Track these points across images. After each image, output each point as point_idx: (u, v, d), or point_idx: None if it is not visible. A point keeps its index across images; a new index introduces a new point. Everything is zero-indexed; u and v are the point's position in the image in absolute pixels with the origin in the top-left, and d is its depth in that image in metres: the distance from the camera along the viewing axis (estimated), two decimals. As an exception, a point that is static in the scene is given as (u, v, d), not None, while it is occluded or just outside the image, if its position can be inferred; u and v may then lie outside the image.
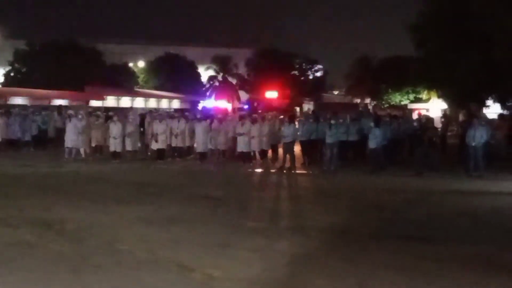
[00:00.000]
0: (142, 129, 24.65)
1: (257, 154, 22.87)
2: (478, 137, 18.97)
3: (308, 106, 49.54)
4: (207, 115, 25.03)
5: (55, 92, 41.88)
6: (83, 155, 23.71)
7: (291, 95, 48.35)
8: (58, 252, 8.90)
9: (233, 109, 44.39)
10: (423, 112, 35.54)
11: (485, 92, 24.90)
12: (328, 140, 20.69)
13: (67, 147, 23.23)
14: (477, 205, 14.06)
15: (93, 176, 18.89)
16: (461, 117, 30.65)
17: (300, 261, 8.73)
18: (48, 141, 28.90)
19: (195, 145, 23.79)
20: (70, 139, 23.15)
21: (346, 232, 10.86)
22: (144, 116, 25.94)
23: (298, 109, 43.07)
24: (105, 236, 10.00)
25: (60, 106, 33.43)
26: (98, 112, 27.73)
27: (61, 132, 26.44)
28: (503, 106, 25.77)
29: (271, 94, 50.04)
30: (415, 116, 32.55)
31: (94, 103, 43.91)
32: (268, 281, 7.58)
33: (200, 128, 23.03)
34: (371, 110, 43.65)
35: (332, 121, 21.21)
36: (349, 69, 64.19)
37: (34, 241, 9.65)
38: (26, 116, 28.53)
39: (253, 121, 22.76)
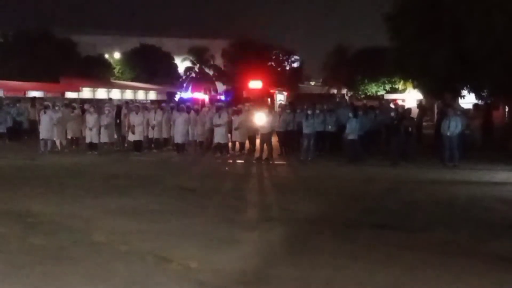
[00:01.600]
0: (118, 120, 24.49)
1: (236, 145, 22.91)
2: (453, 127, 19.14)
3: (280, 97, 49.46)
4: (185, 106, 24.85)
5: (30, 84, 41.49)
6: (58, 147, 23.50)
7: (265, 86, 48.25)
8: (33, 244, 8.84)
9: (210, 101, 44.16)
10: (399, 103, 35.74)
11: (459, 82, 25.05)
12: (305, 130, 20.78)
13: (43, 139, 22.99)
14: (452, 194, 14.19)
15: (69, 168, 18.74)
16: (436, 107, 30.84)
17: (277, 251, 8.76)
18: (23, 133, 28.62)
19: (172, 136, 23.68)
20: (46, 130, 22.90)
21: (323, 222, 10.92)
22: (120, 107, 25.76)
23: (269, 99, 42.99)
24: (81, 228, 9.95)
25: (33, 98, 33.05)
26: (74, 104, 27.47)
27: (35, 124, 26.19)
28: (478, 96, 25.97)
29: (253, 85, 49.95)
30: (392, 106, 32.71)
31: (70, 94, 43.57)
32: (245, 271, 7.60)
33: (179, 119, 22.92)
34: (348, 101, 43.81)
35: (309, 112, 21.30)
36: (326, 60, 64.27)
37: (8, 233, 9.57)
38: (1, 108, 28.22)
39: (232, 112, 22.81)
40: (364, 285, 7.11)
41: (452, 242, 9.29)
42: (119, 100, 36.50)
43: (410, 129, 20.53)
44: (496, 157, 20.04)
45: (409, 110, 22.77)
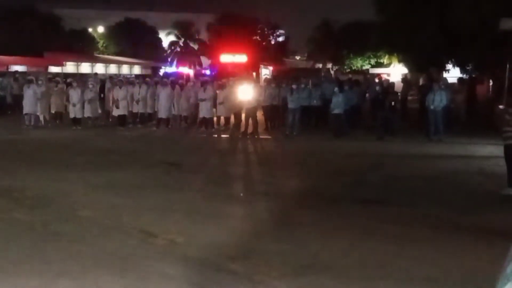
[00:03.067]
0: (102, 95, 24.29)
1: (221, 120, 22.88)
2: (437, 101, 19.18)
3: (266, 71, 49.27)
4: (170, 81, 24.69)
5: (13, 58, 40.99)
6: (42, 122, 23.31)
7: (249, 60, 48.12)
8: (18, 220, 8.79)
9: (195, 75, 43.95)
10: (384, 77, 35.79)
11: (445, 56, 25.12)
12: (290, 105, 20.79)
13: (26, 114, 22.79)
14: (437, 168, 14.29)
15: (53, 143, 18.62)
16: (421, 82, 30.91)
17: (263, 226, 8.79)
18: (6, 107, 28.35)
19: (156, 111, 23.54)
20: (29, 105, 22.68)
21: (308, 196, 10.97)
22: (104, 82, 25.55)
23: (254, 74, 42.84)
24: (66, 203, 9.90)
25: (16, 72, 32.70)
26: (58, 78, 27.20)
27: (18, 98, 25.94)
28: (463, 71, 26.06)
29: (234, 58, 49.78)
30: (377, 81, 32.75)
31: (54, 69, 43.17)
32: (231, 246, 7.62)
33: (163, 94, 22.78)
34: (333, 75, 43.79)
35: (294, 86, 21.29)
36: (311, 34, 64.06)
37: (-7, 209, 9.51)
38: (-17, 83, 27.93)
39: (217, 87, 22.75)
40: (349, 259, 7.15)
41: (436, 215, 9.36)
42: (103, 74, 36.22)
43: (393, 103, 20.57)
44: (480, 131, 20.15)
45: (393, 84, 22.82)
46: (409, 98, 29.15)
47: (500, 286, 2.09)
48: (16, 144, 18.41)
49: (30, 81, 23.70)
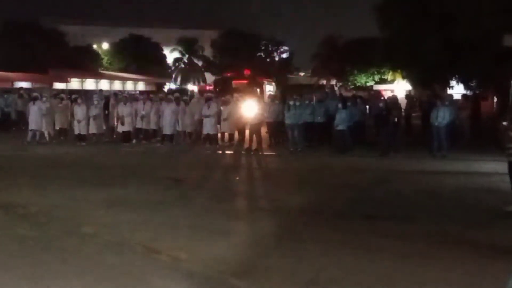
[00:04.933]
0: (106, 111, 24.35)
1: (225, 136, 22.90)
2: (441, 117, 19.16)
3: (269, 88, 49.33)
4: (174, 97, 24.77)
5: (18, 75, 41.19)
6: (47, 138, 23.38)
7: (253, 77, 48.21)
8: (22, 235, 8.79)
9: (199, 91, 44.11)
10: (388, 93, 35.82)
11: (448, 72, 25.14)
12: (287, 121, 20.89)
13: (31, 130, 22.87)
14: (440, 184, 14.26)
15: (58, 159, 18.67)
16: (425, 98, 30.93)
17: (266, 242, 8.77)
18: (11, 124, 28.45)
19: (161, 127, 23.57)
20: (35, 121, 22.77)
21: (312, 212, 10.94)
22: (108, 98, 25.64)
23: (258, 90, 42.92)
24: (70, 219, 9.91)
25: (20, 89, 32.85)
26: (62, 95, 27.31)
27: (22, 115, 26.04)
28: (466, 87, 26.07)
29: (238, 76, 49.87)
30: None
31: (58, 85, 43.31)
32: (235, 262, 7.60)
33: (167, 110, 22.84)
34: (337, 92, 43.82)
35: (291, 102, 21.31)
36: (315, 51, 64.27)
37: (-3, 225, 9.52)
38: (-12, 99, 28.05)
39: (221, 103, 22.81)
40: (353, 275, 7.13)
41: (440, 232, 9.33)
42: (107, 91, 36.35)
43: (396, 119, 20.58)
44: (484, 147, 20.11)
45: (396, 99, 22.84)
46: (414, 114, 29.16)
47: None
48: (20, 160, 18.47)
49: (36, 98, 23.80)
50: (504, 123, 11.26)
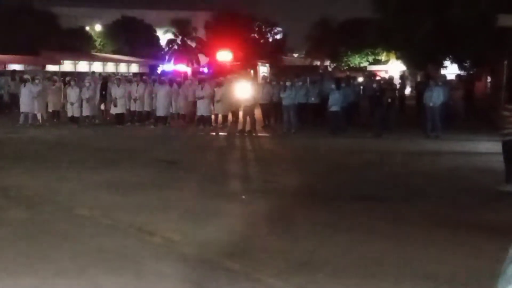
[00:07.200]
0: (103, 92, 24.11)
1: (219, 118, 22.84)
2: (435, 97, 19.14)
3: (263, 69, 49.18)
4: (167, 79, 24.64)
5: (10, 57, 40.94)
6: (40, 121, 23.28)
7: (247, 58, 48.04)
8: (15, 219, 8.75)
9: (193, 73, 43.90)
10: (383, 74, 35.78)
11: (442, 53, 25.13)
12: (284, 102, 20.85)
13: (23, 112, 22.76)
14: (434, 164, 14.29)
15: (51, 142, 18.58)
16: (419, 78, 30.93)
17: (260, 223, 8.78)
18: (3, 106, 28.31)
19: (154, 109, 23.47)
20: (26, 104, 22.65)
21: (306, 194, 10.95)
22: (107, 79, 25.36)
23: (252, 72, 42.81)
24: (64, 202, 9.87)
25: (13, 71, 32.63)
26: (55, 77, 27.15)
27: (15, 97, 25.90)
28: (460, 67, 26.08)
29: (226, 56, 49.68)
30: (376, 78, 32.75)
31: (51, 67, 43.10)
32: (229, 243, 7.59)
33: (161, 92, 22.75)
34: (330, 73, 43.73)
35: (287, 83, 21.29)
36: (309, 32, 64.08)
37: (-10, 208, 9.47)
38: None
39: (214, 85, 22.71)
40: (347, 256, 7.13)
41: (435, 212, 9.35)
42: (99, 73, 36.16)
43: (389, 100, 20.56)
44: (478, 127, 20.15)
45: (392, 80, 22.80)
46: (407, 95, 29.16)
47: None
48: (13, 143, 18.38)
49: (26, 80, 23.68)
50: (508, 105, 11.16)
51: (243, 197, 10.78)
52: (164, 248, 7.41)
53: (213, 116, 22.85)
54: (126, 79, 25.50)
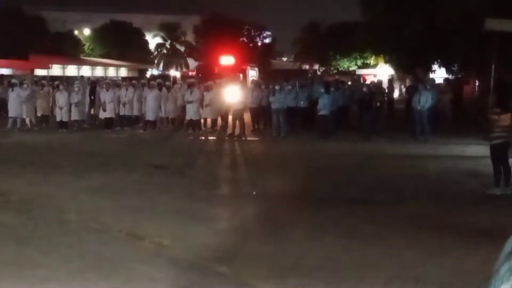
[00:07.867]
0: (92, 97, 24.04)
1: (208, 122, 22.82)
2: (423, 101, 19.24)
3: (252, 73, 49.12)
4: (157, 83, 24.60)
5: (-2, 61, 40.71)
6: (28, 125, 23.17)
7: (236, 62, 47.92)
8: (4, 223, 8.71)
9: (182, 77, 43.83)
10: (371, 78, 35.87)
11: (430, 56, 25.23)
12: (273, 106, 20.86)
13: (11, 117, 22.66)
14: (423, 168, 14.32)
15: (40, 146, 18.50)
16: (408, 82, 31.06)
17: (250, 228, 8.78)
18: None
19: (143, 113, 23.41)
20: (14, 108, 22.56)
21: (296, 197, 10.97)
22: (95, 83, 25.28)
23: (241, 75, 42.74)
24: (52, 206, 9.84)
25: (1, 76, 32.45)
26: (43, 81, 27.03)
27: (3, 102, 25.76)
28: (448, 71, 26.18)
29: (224, 60, 49.60)
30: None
31: (39, 72, 42.87)
32: (218, 248, 7.59)
33: (150, 96, 22.71)
34: (320, 76, 43.77)
35: (276, 87, 21.31)
36: (298, 36, 64.23)
37: (-22, 213, 9.42)
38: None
39: (203, 89, 22.69)
40: (336, 260, 7.15)
41: (423, 215, 9.40)
42: (88, 78, 36.04)
43: (378, 104, 20.63)
44: (466, 131, 20.23)
45: (380, 83, 22.88)
46: (396, 98, 29.26)
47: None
48: (1, 147, 18.27)
49: (14, 84, 23.58)
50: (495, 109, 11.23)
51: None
52: (154, 252, 7.41)
53: (202, 120, 22.83)
54: (115, 83, 25.43)
